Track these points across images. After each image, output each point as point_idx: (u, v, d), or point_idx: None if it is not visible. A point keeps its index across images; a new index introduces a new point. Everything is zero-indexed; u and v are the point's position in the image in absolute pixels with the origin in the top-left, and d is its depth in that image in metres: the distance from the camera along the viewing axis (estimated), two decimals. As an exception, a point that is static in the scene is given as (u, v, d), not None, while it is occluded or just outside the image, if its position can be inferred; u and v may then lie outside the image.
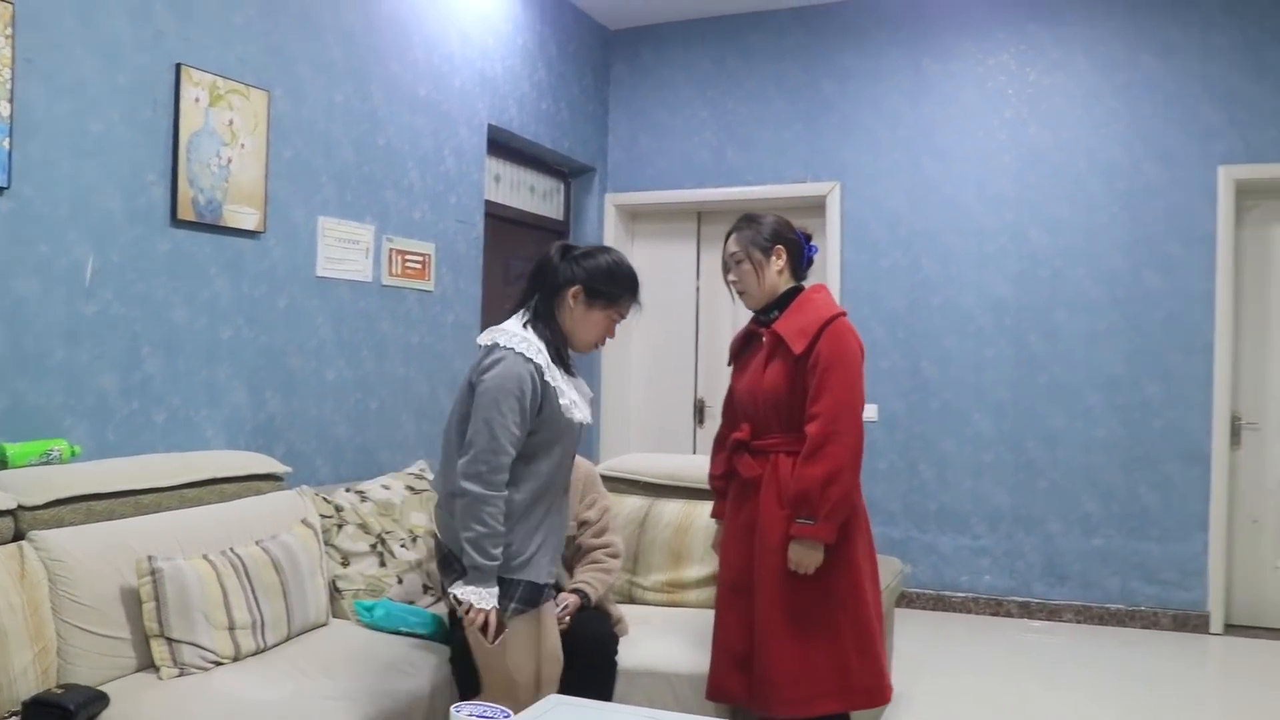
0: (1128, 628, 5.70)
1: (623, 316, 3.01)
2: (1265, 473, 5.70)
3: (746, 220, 3.25)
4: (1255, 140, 5.53)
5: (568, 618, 3.30)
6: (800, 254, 3.25)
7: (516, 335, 2.81)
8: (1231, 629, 5.63)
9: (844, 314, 3.12)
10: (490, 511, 2.69)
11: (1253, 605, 5.70)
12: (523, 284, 3.01)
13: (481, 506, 2.68)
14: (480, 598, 2.70)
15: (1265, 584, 5.69)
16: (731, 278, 3.26)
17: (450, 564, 2.85)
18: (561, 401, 2.82)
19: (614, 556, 3.60)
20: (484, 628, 2.72)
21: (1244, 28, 5.55)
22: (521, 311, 2.92)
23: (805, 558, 2.99)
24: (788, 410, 3.09)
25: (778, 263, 3.18)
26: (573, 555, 3.58)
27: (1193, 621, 5.61)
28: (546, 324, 2.89)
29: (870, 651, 3.07)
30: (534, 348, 2.80)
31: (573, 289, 2.90)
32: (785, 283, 3.21)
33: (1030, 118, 5.97)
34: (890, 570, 4.15)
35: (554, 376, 2.82)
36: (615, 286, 2.93)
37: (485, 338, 2.87)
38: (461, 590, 2.71)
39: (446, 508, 2.85)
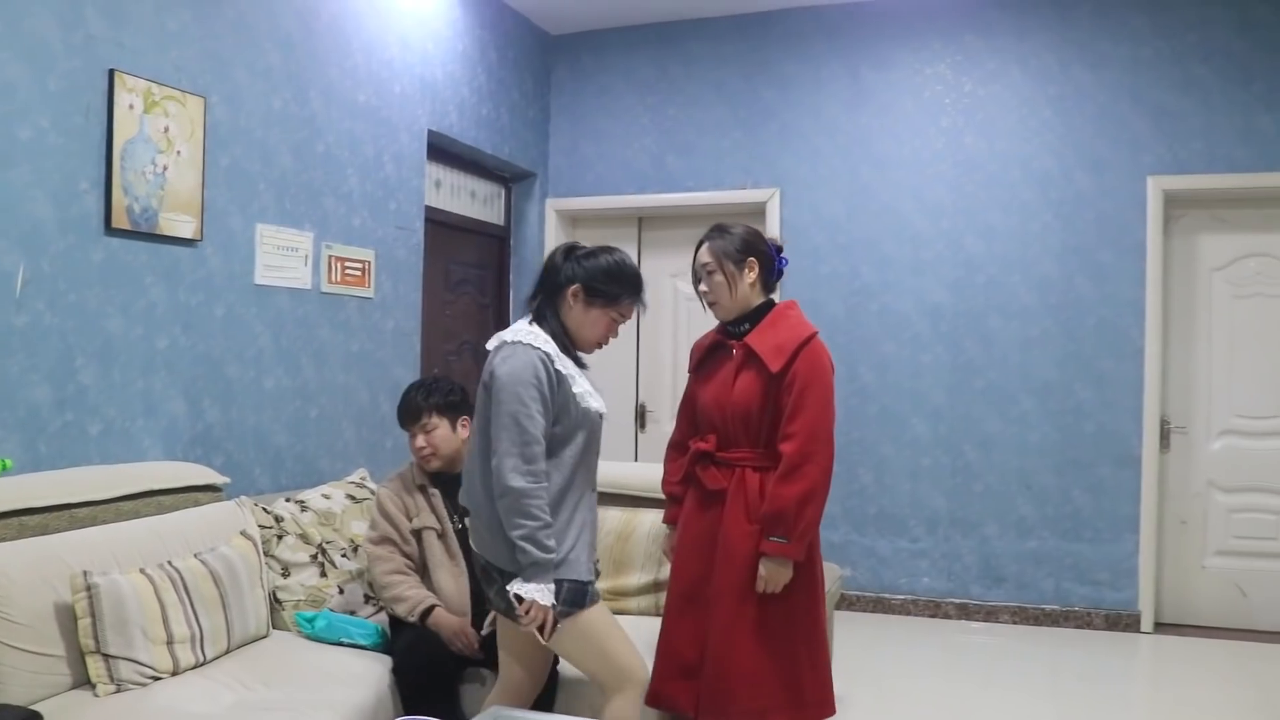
0: (1062, 628, 5.81)
1: (625, 317, 3.04)
2: (1193, 475, 5.84)
3: (719, 230, 3.22)
4: (1182, 152, 5.66)
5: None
6: (771, 266, 3.23)
7: (521, 330, 2.88)
8: (1161, 627, 5.77)
9: (817, 333, 3.14)
10: (536, 504, 2.69)
11: (1181, 604, 5.84)
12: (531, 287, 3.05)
13: (526, 500, 2.68)
14: (542, 594, 2.70)
15: (1193, 583, 5.83)
16: (703, 288, 3.24)
17: (490, 576, 2.85)
18: (575, 389, 2.85)
19: None
20: (541, 626, 2.73)
21: (1170, 42, 5.68)
22: (527, 314, 2.98)
23: (777, 575, 3.02)
24: (757, 425, 3.10)
25: (750, 275, 3.16)
26: None
27: (1124, 621, 5.73)
28: (550, 323, 2.93)
29: (820, 665, 3.12)
30: (540, 338, 2.84)
31: (572, 288, 2.93)
32: (757, 296, 3.20)
33: (966, 127, 6.07)
34: (830, 576, 4.18)
35: (565, 365, 2.86)
36: (615, 286, 2.96)
37: (492, 341, 2.92)
38: (523, 588, 2.70)
39: (481, 519, 2.86)
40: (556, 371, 2.82)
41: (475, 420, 2.93)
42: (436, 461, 3.57)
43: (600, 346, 3.05)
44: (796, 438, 3.00)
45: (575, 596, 2.80)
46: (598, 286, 2.93)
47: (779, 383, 3.05)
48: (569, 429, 2.85)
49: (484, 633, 3.31)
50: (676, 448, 3.43)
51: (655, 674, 3.19)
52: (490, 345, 2.92)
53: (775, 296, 3.29)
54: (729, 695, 3.04)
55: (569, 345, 2.94)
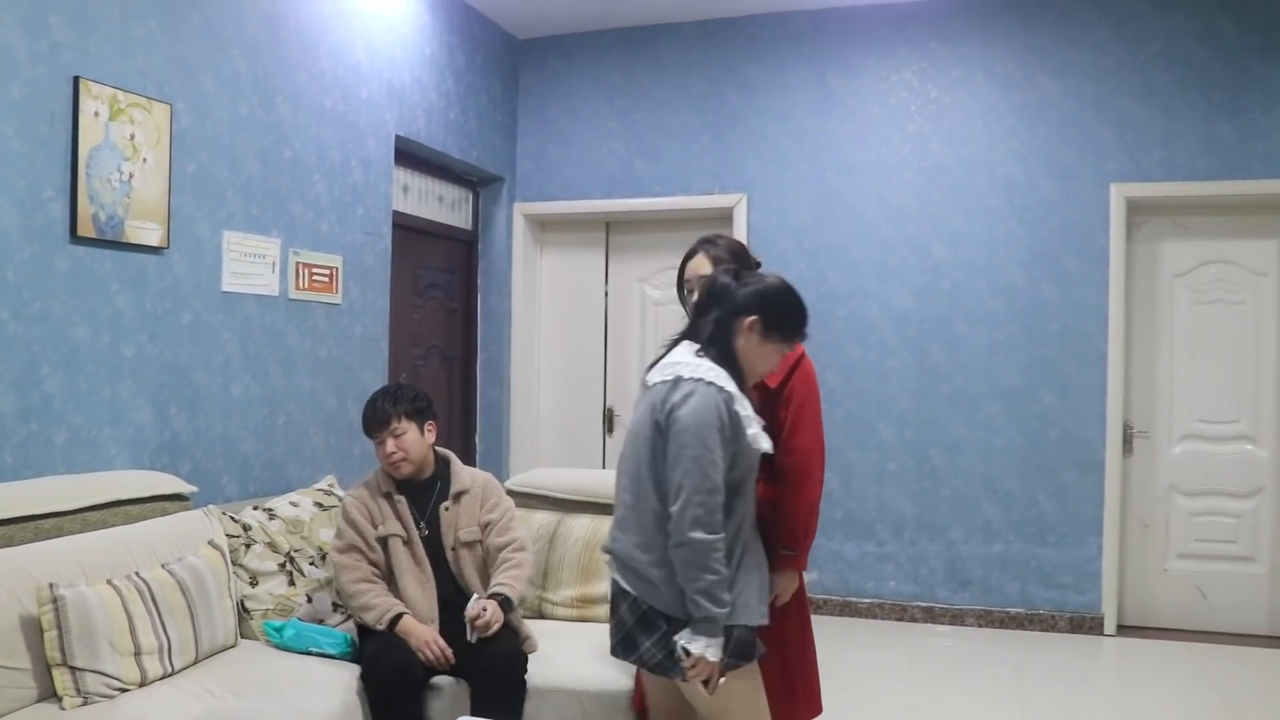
0: (1027, 631, 5.87)
1: (790, 350, 2.92)
2: (1155, 479, 5.91)
3: (711, 242, 3.20)
4: (1144, 160, 5.74)
5: (496, 625, 3.32)
6: None
7: (700, 366, 2.70)
8: (1124, 629, 5.84)
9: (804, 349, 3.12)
10: (717, 557, 2.57)
11: (1143, 606, 5.92)
12: (692, 312, 2.92)
13: (709, 553, 2.56)
14: (713, 649, 2.59)
15: (1155, 586, 5.91)
16: (696, 299, 3.02)
17: (652, 621, 2.70)
18: (749, 431, 2.69)
19: (520, 550, 3.62)
20: (706, 680, 2.63)
21: (1133, 51, 5.75)
22: (687, 341, 2.81)
23: (789, 587, 3.08)
24: None
25: None
26: (489, 562, 3.61)
27: (1088, 623, 5.80)
28: (722, 353, 2.74)
29: (809, 664, 3.22)
30: (723, 377, 2.68)
31: (750, 319, 2.75)
32: None
33: (932, 133, 6.12)
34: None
35: (743, 406, 2.70)
36: (794, 320, 2.82)
37: (662, 373, 2.74)
38: (692, 642, 2.59)
39: (640, 562, 2.72)
40: (734, 413, 2.66)
41: (636, 457, 2.76)
42: (408, 466, 3.58)
43: (761, 379, 2.92)
44: (798, 453, 3.01)
45: (743, 648, 2.69)
46: (778, 319, 2.78)
47: (776, 397, 3.04)
48: (743, 472, 2.72)
49: (471, 639, 3.30)
50: None
51: (651, 688, 3.17)
52: (657, 377, 2.76)
53: None
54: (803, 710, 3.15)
55: (739, 379, 2.75)
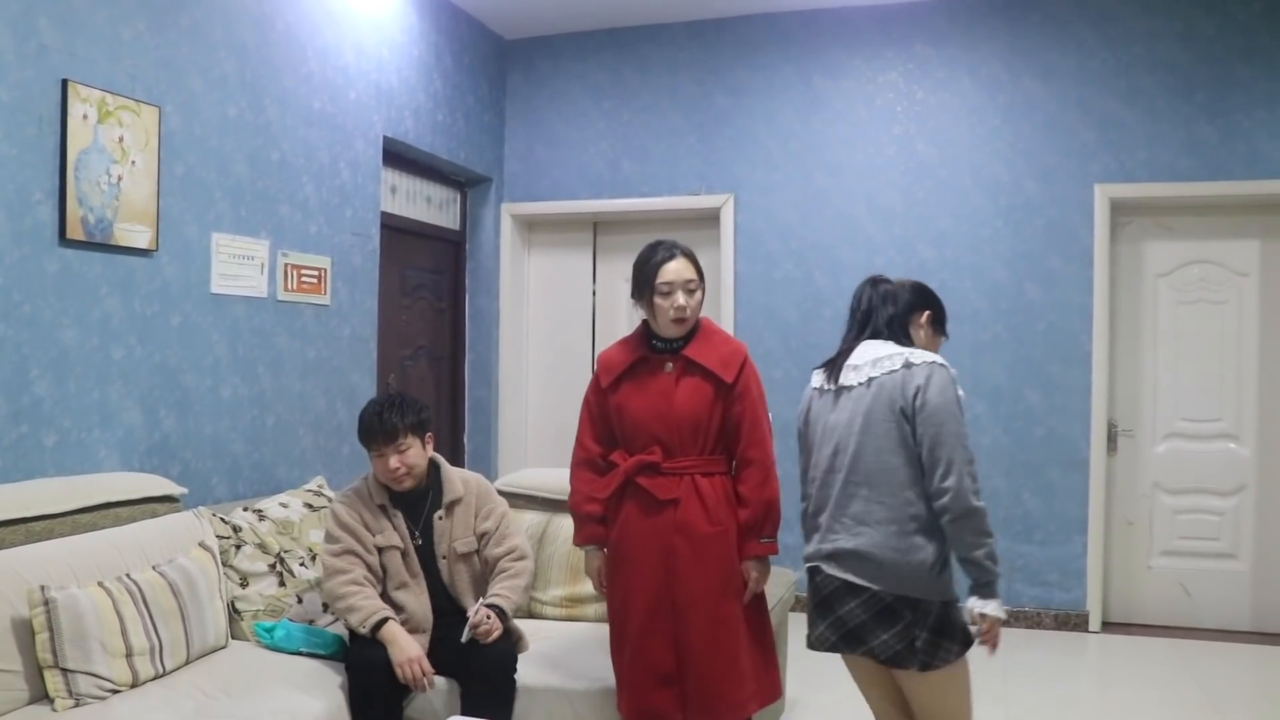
0: (1013, 628, 5.90)
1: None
2: (1139, 477, 5.96)
3: (679, 247, 3.28)
4: (1128, 161, 5.78)
5: (496, 632, 3.32)
6: None
7: (918, 352, 2.86)
8: (1108, 626, 5.89)
9: None
10: (988, 522, 2.75)
11: (1128, 604, 5.97)
12: (857, 316, 3.07)
13: (986, 519, 2.74)
14: (999, 609, 2.76)
15: (1139, 583, 5.96)
16: (680, 302, 3.16)
17: (896, 613, 2.75)
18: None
19: (520, 559, 3.59)
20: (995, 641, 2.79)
21: (1116, 54, 5.80)
22: (869, 340, 2.96)
23: (767, 573, 3.27)
24: (704, 434, 3.20)
25: (701, 294, 3.30)
26: (486, 571, 3.60)
27: (1073, 620, 5.85)
28: (907, 344, 2.96)
29: (770, 649, 3.33)
30: (940, 356, 2.89)
31: (925, 314, 3.06)
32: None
33: (918, 135, 6.15)
34: (783, 582, 4.25)
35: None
36: (945, 315, 3.14)
37: (891, 362, 2.83)
38: (984, 605, 2.74)
39: (900, 552, 2.75)
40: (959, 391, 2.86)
41: (872, 450, 2.82)
42: (409, 481, 3.50)
43: None
44: (762, 445, 3.22)
45: (968, 635, 2.84)
46: (940, 314, 3.11)
47: (730, 392, 3.19)
48: None
49: (464, 639, 3.29)
50: (589, 465, 3.43)
51: (632, 689, 3.21)
52: (883, 368, 2.84)
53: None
54: (717, 694, 3.14)
55: None
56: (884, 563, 2.77)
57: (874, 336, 2.96)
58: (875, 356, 2.88)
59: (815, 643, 2.96)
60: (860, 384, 2.88)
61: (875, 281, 3.07)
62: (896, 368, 2.82)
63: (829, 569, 2.88)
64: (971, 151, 6.06)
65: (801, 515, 3.10)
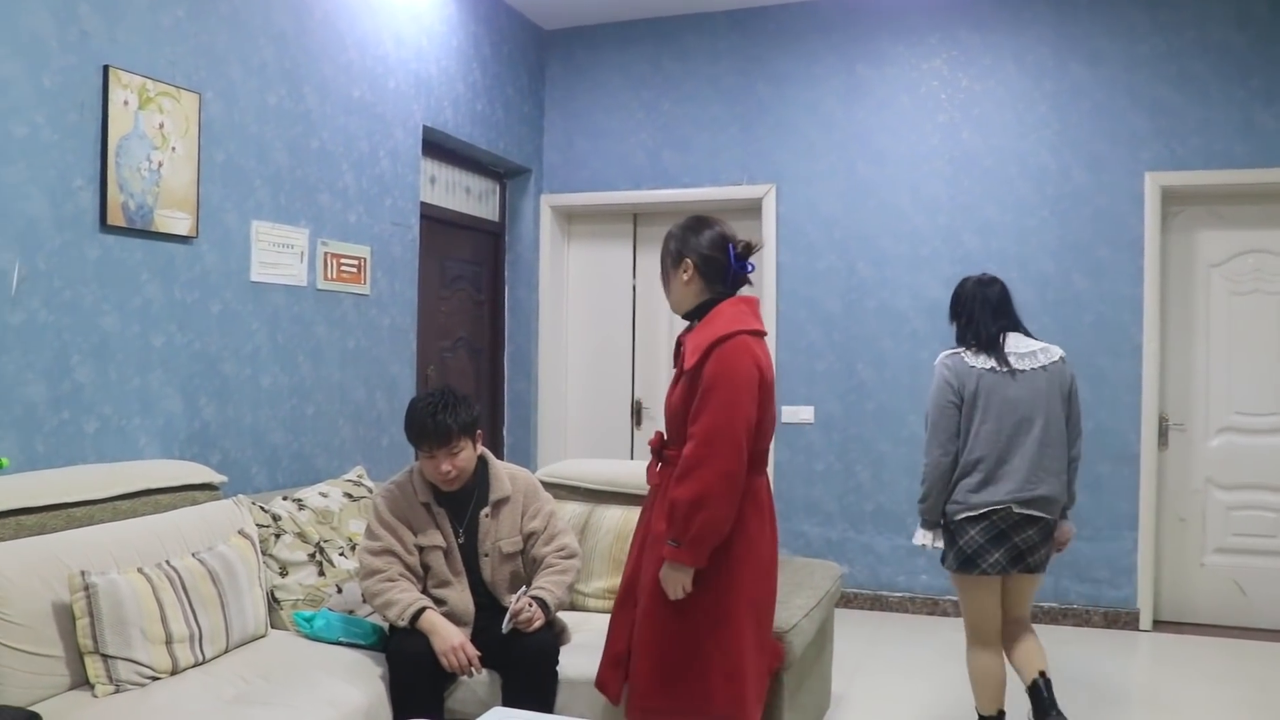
0: (1061, 625, 5.80)
1: None
2: (1191, 473, 5.83)
3: (674, 228, 3.16)
4: (1180, 148, 5.65)
5: (538, 622, 3.27)
6: (718, 268, 3.08)
7: (1056, 347, 3.83)
8: (1159, 625, 5.77)
9: (743, 333, 2.95)
10: None
11: (1179, 602, 5.84)
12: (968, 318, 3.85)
13: None
14: None
15: (1191, 581, 5.83)
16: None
17: (1050, 533, 3.72)
18: None
19: (569, 556, 3.52)
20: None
21: (1168, 38, 5.67)
22: (1015, 330, 3.80)
23: (670, 580, 2.92)
24: (684, 424, 3.00)
25: (684, 275, 3.08)
26: (530, 569, 3.53)
27: (1123, 618, 5.73)
28: None
29: (736, 679, 2.96)
30: None
31: None
32: (697, 295, 3.09)
33: (963, 123, 6.05)
34: (829, 575, 4.18)
35: None
36: None
37: (1050, 355, 3.74)
38: (1070, 522, 3.86)
39: (1061, 491, 3.71)
40: None
41: (1054, 421, 3.69)
42: (459, 483, 3.42)
43: None
44: (693, 440, 2.89)
45: None
46: None
47: (696, 381, 2.95)
48: None
49: (504, 630, 3.25)
50: None
51: (601, 662, 3.19)
52: (1049, 358, 3.71)
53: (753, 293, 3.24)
54: (636, 692, 3.03)
55: None
56: (1055, 499, 3.68)
57: (1012, 329, 3.77)
58: (1032, 348, 3.73)
59: (989, 568, 3.65)
60: (1035, 368, 3.69)
61: (987, 282, 3.86)
62: (1056, 359, 3.73)
63: (1017, 509, 3.61)
64: (1018, 140, 5.96)
65: (965, 467, 3.68)
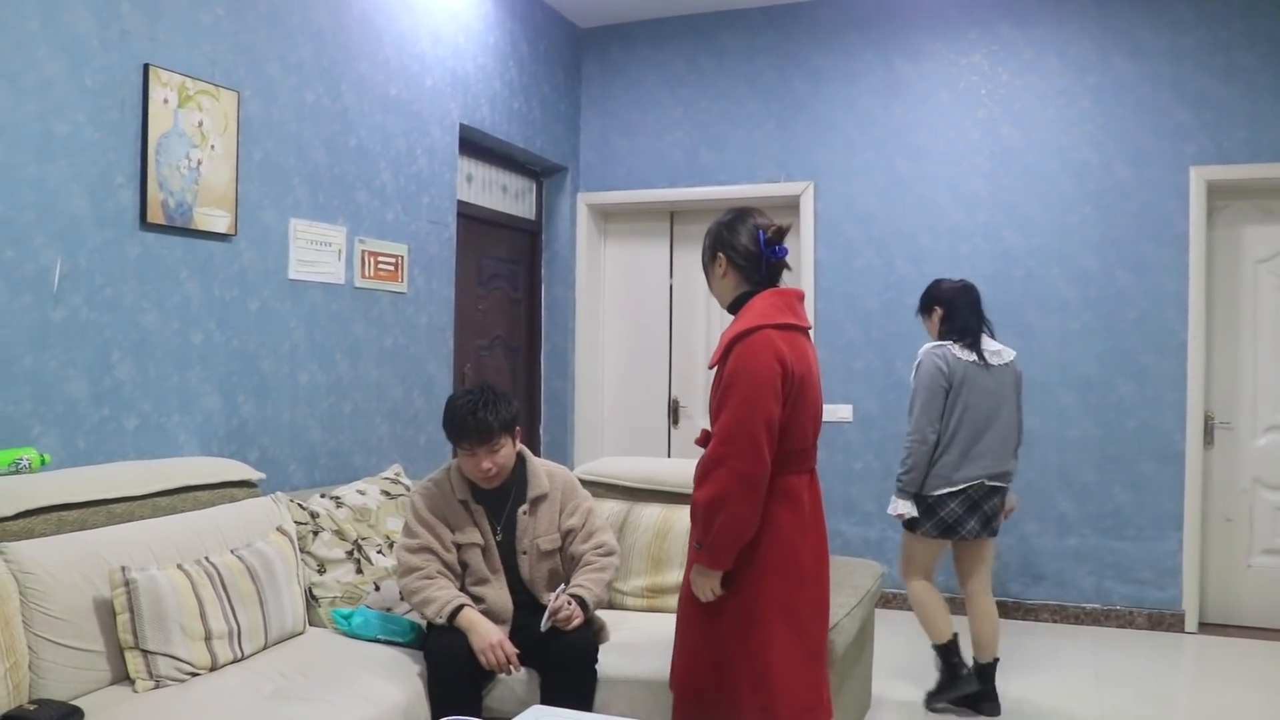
0: (1103, 627, 5.72)
1: None
2: (1238, 472, 5.73)
3: (712, 224, 3.09)
4: (1226, 141, 5.56)
5: (577, 620, 3.25)
6: (751, 259, 2.98)
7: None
8: (1206, 627, 5.67)
9: (767, 327, 2.83)
10: None
11: (1226, 604, 5.74)
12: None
13: None
14: None
15: (1239, 582, 5.73)
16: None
17: (1002, 493, 4.36)
18: None
19: (607, 554, 3.49)
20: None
21: (1214, 30, 5.58)
22: (984, 331, 4.43)
23: (698, 583, 2.87)
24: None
25: (719, 270, 3.02)
26: (569, 566, 3.51)
27: (1168, 620, 5.64)
28: None
29: (764, 688, 2.84)
30: None
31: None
32: (734, 288, 3.01)
33: (1003, 118, 5.99)
34: (870, 574, 4.14)
35: None
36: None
37: (1009, 355, 4.40)
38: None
39: (1012, 466, 4.39)
40: None
41: (1011, 411, 4.35)
42: (499, 481, 3.40)
43: None
44: (715, 439, 2.81)
45: None
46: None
47: (719, 378, 2.87)
48: None
49: (542, 629, 3.22)
50: None
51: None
52: (1010, 357, 4.38)
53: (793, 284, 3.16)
54: (674, 689, 3.01)
55: None
56: (1013, 473, 4.40)
57: (984, 331, 4.38)
58: (998, 348, 4.36)
59: (968, 533, 4.27)
60: (1001, 365, 4.33)
61: (969, 287, 4.44)
62: (1012, 359, 4.40)
63: (989, 481, 4.26)
64: (1059, 135, 5.88)
65: (943, 446, 4.25)
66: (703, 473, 2.82)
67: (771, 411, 2.78)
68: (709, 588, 2.85)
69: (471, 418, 3.29)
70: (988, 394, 4.27)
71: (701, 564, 2.83)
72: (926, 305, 4.52)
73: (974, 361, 4.27)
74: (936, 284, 4.52)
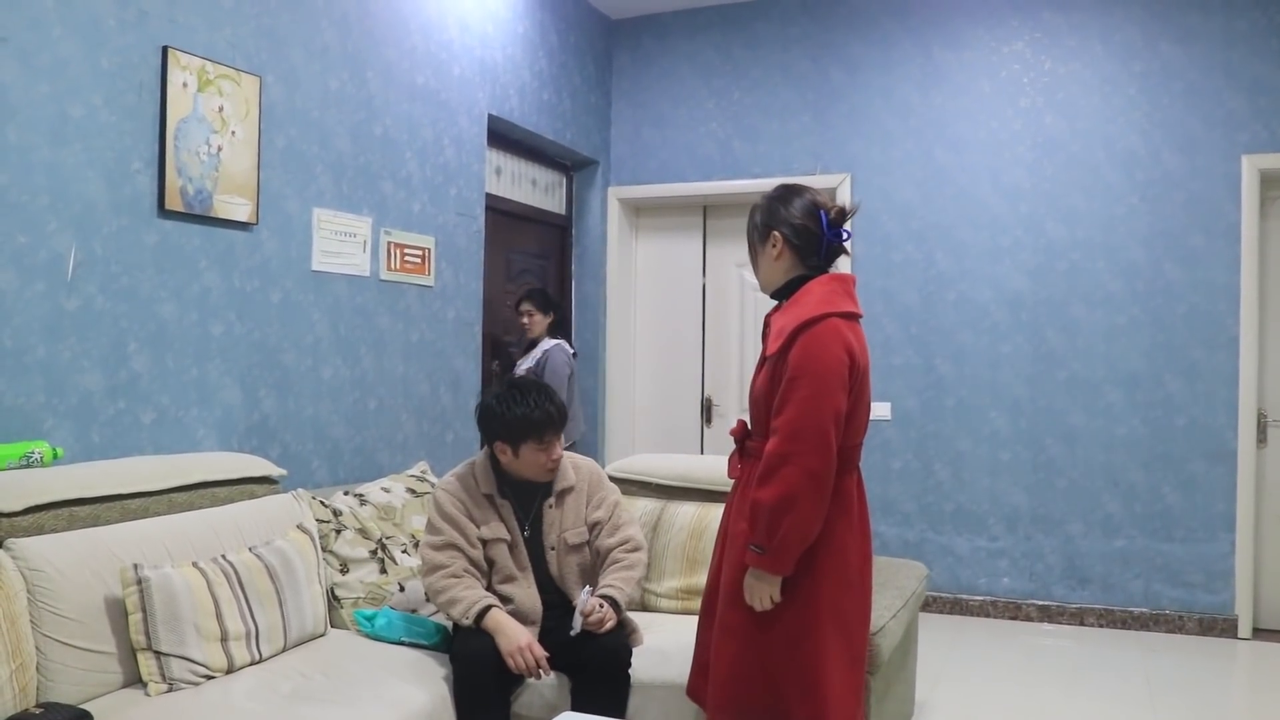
0: (1152, 632, 5.53)
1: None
2: (1292, 471, 5.53)
3: (761, 199, 2.91)
4: (1280, 128, 5.37)
5: (610, 623, 3.12)
6: (810, 239, 2.80)
7: None
8: (1260, 633, 5.46)
9: (833, 315, 2.66)
10: None
11: (1281, 608, 5.53)
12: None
13: None
14: None
15: (1293, 586, 5.52)
16: None
17: None
18: None
19: (634, 550, 3.35)
20: None
21: (1268, 13, 5.38)
22: None
23: (755, 589, 2.66)
24: (768, 413, 2.72)
25: (773, 250, 2.82)
26: (595, 562, 3.38)
27: (1220, 625, 5.44)
28: None
29: (813, 695, 2.67)
30: None
31: None
32: (786, 271, 2.82)
33: (1046, 107, 5.81)
34: (914, 575, 3.98)
35: None
36: None
37: None
38: None
39: None
40: None
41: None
42: (557, 470, 3.34)
43: None
44: (777, 435, 2.61)
45: None
46: None
47: (780, 368, 2.67)
48: None
49: (573, 633, 3.09)
50: None
51: (691, 670, 3.00)
52: None
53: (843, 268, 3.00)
54: (712, 700, 2.79)
55: None
56: None
57: None
58: None
59: None
60: None
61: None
62: None
63: None
64: (1105, 124, 5.69)
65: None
66: (767, 471, 2.61)
67: (840, 405, 2.62)
68: (768, 594, 2.66)
69: (542, 409, 3.22)
70: None
71: (763, 569, 2.63)
72: None
73: None
74: None
